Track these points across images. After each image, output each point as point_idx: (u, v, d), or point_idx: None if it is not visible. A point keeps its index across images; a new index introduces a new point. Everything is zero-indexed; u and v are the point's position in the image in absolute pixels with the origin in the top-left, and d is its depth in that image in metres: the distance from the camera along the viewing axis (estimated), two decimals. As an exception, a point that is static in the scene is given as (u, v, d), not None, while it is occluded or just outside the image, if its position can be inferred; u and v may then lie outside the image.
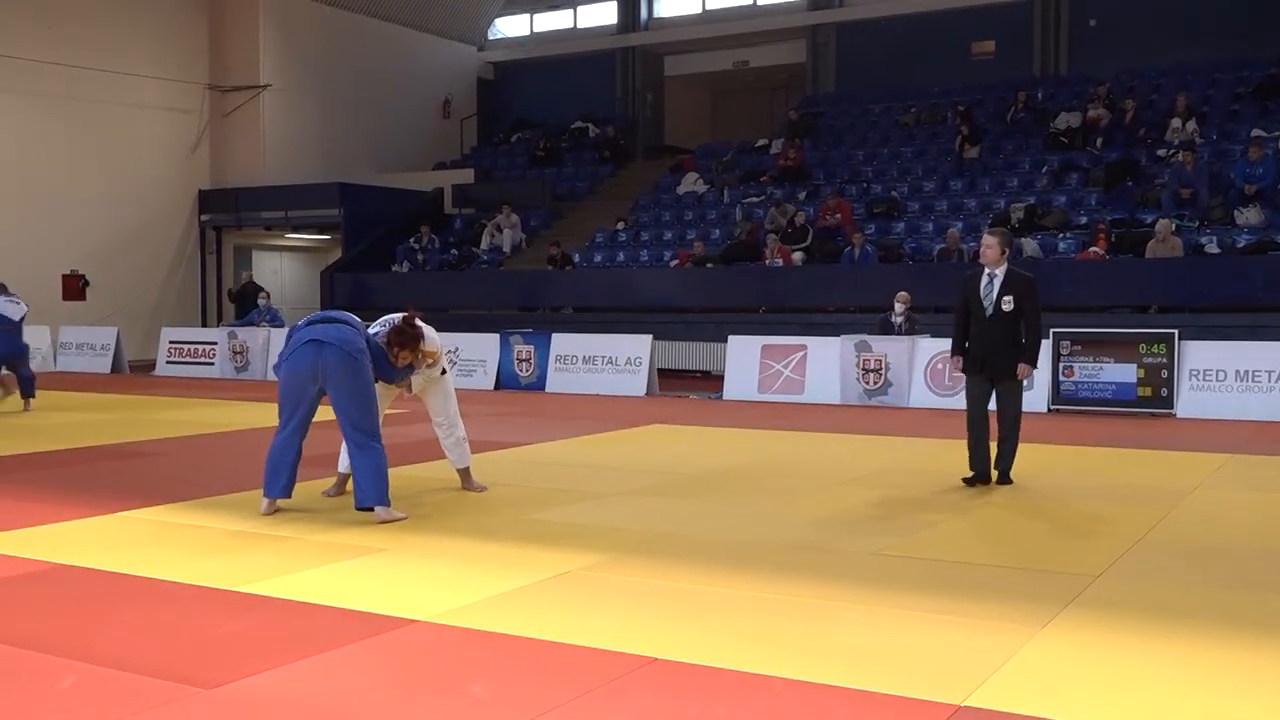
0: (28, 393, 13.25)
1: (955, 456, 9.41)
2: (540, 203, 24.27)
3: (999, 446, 7.87)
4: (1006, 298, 7.64)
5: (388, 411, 7.63)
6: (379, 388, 7.12)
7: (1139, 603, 4.99)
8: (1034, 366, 7.82)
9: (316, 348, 6.67)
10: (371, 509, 6.73)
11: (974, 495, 7.54)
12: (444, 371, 7.63)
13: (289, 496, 6.94)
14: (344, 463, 7.36)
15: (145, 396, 15.07)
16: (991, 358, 7.77)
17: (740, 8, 27.00)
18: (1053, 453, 9.73)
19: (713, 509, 7.20)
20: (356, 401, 6.71)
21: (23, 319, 13.37)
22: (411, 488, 7.83)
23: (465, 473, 7.78)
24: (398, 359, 7.00)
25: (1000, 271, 7.69)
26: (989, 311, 7.70)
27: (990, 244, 7.73)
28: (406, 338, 6.99)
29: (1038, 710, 3.67)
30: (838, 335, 14.28)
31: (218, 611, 4.89)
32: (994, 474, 7.89)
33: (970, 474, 7.87)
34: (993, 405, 7.92)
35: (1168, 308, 15.19)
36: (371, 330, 7.08)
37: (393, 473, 8.22)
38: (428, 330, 7.22)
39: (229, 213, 24.61)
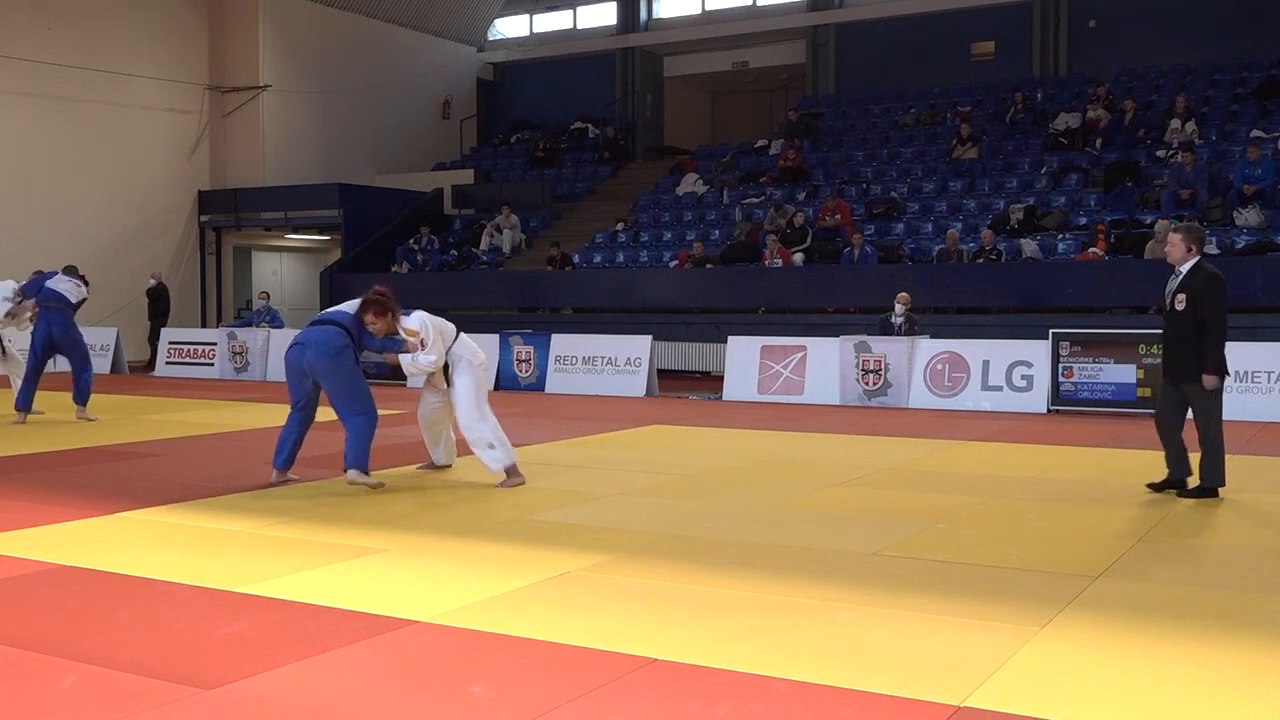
0: (80, 398, 12.13)
1: (955, 457, 9.43)
2: (540, 203, 24.28)
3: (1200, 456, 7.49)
4: (1179, 295, 7.37)
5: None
6: (426, 390, 8.23)
7: (1139, 603, 4.99)
8: (1218, 374, 7.28)
9: (300, 350, 7.74)
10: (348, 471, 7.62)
11: (973, 496, 7.54)
12: (449, 380, 8.01)
13: (288, 469, 7.98)
14: (436, 456, 8.49)
15: (145, 397, 15.07)
16: (1169, 359, 7.57)
17: (740, 8, 27.01)
18: (1053, 453, 9.74)
19: (713, 509, 7.20)
20: (340, 389, 7.67)
21: (80, 303, 12.38)
22: (412, 488, 7.83)
23: (511, 469, 8.03)
24: (369, 324, 7.79)
25: (1185, 269, 7.43)
26: (1167, 309, 7.51)
27: (1173, 241, 7.48)
28: (369, 304, 7.80)
29: (1037, 710, 3.67)
30: (837, 336, 14.28)
31: (218, 611, 4.89)
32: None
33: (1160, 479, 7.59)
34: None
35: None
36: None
37: (395, 472, 8.26)
38: (415, 315, 7.91)
39: (229, 213, 24.61)
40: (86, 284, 12.78)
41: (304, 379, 7.77)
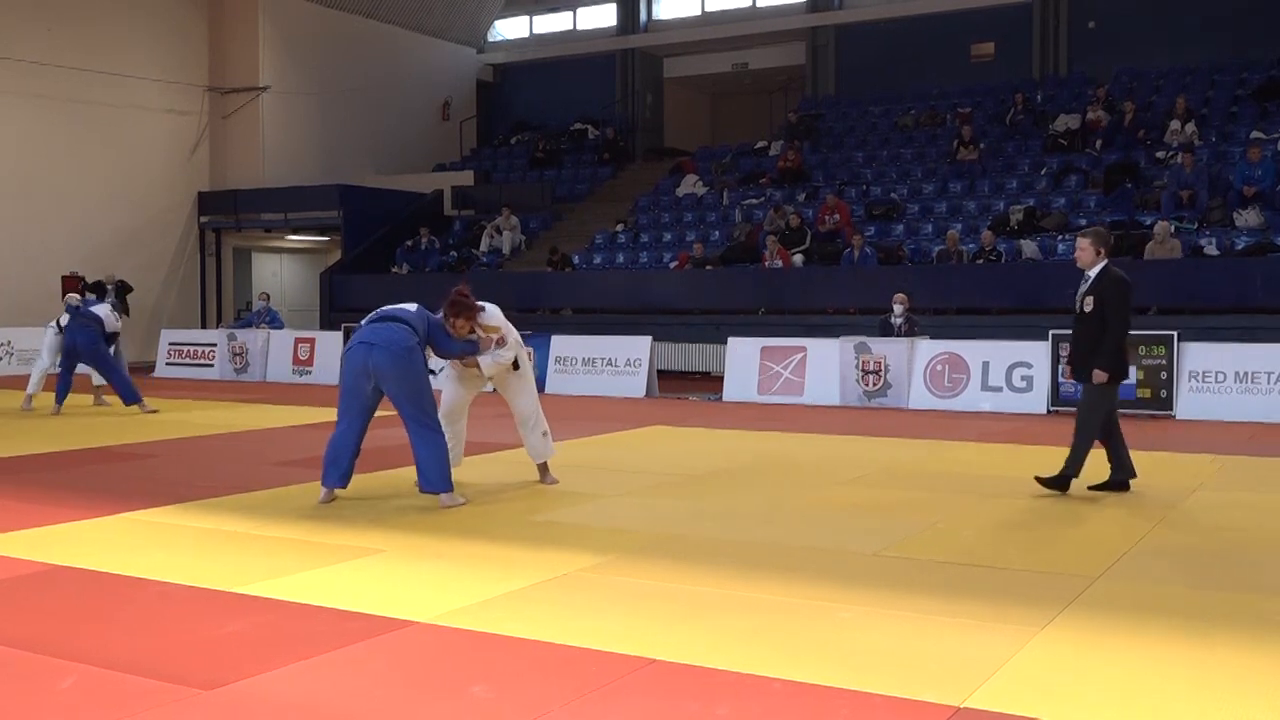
0: (126, 399, 13.03)
1: (954, 457, 9.44)
2: (540, 205, 24.29)
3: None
4: (1088, 298, 7.54)
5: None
6: (459, 383, 7.71)
7: (1139, 603, 4.99)
8: (1108, 371, 7.47)
9: (366, 349, 7.07)
10: (436, 495, 7.12)
11: (973, 496, 7.54)
12: (516, 365, 7.80)
13: (345, 486, 7.32)
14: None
15: (145, 398, 15.04)
16: (1074, 357, 7.75)
17: (739, 10, 27.01)
18: (1053, 453, 9.71)
19: (713, 510, 7.20)
20: (409, 396, 7.09)
21: (114, 334, 13.15)
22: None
23: (543, 467, 8.05)
24: (455, 329, 7.36)
25: (1093, 273, 7.59)
26: (1077, 311, 7.66)
27: (1082, 246, 7.64)
28: (460, 307, 7.37)
29: (1037, 711, 3.67)
30: (837, 337, 14.28)
31: (218, 611, 4.88)
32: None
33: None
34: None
35: (1167, 309, 15.19)
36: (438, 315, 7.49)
37: (393, 473, 8.26)
38: (491, 309, 7.60)
39: (228, 214, 24.61)
40: (125, 314, 13.89)
41: (365, 381, 7.09)
